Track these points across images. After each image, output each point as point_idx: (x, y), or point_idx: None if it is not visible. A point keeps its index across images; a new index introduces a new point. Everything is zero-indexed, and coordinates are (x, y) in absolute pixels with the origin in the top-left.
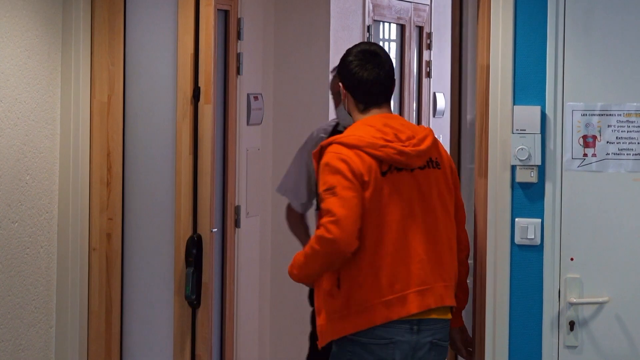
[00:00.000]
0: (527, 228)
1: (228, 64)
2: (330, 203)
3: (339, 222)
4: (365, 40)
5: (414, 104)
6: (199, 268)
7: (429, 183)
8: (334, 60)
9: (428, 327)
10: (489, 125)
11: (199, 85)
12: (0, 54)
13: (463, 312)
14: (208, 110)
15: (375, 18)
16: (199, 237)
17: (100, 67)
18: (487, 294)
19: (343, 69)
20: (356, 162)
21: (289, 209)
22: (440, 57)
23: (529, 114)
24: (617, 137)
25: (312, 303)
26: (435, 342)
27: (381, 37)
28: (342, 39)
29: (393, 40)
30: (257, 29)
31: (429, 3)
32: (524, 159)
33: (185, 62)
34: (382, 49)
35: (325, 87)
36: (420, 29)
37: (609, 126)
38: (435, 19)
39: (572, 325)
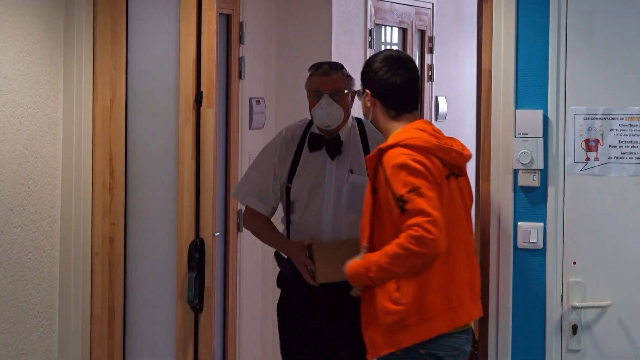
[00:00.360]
0: (530, 232)
1: (230, 68)
2: (420, 203)
3: (436, 222)
4: (367, 43)
5: None
6: (202, 272)
7: (462, 189)
8: None
9: (470, 336)
10: (491, 129)
11: (201, 89)
12: (2, 58)
13: None
14: (210, 115)
15: (377, 22)
16: (202, 242)
17: (102, 72)
18: (490, 297)
19: (370, 76)
20: (429, 164)
21: (252, 213)
22: (442, 60)
23: (532, 117)
24: (619, 141)
25: (280, 284)
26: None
27: (383, 40)
28: (344, 43)
29: (395, 44)
30: (259, 32)
31: (430, 7)
32: (526, 162)
33: (187, 66)
34: (407, 55)
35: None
36: (422, 32)
37: (611, 130)
38: (437, 22)
39: (574, 329)
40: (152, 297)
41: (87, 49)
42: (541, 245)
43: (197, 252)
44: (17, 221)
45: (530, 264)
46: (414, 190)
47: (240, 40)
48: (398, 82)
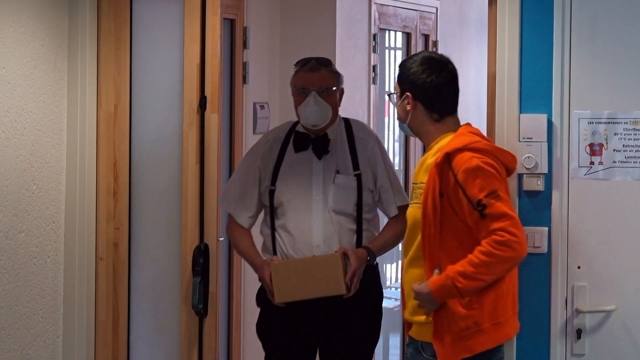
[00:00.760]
0: (534, 236)
1: (234, 73)
2: (500, 207)
3: (518, 224)
4: (371, 48)
5: None
6: (206, 277)
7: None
8: (340, 69)
9: None
10: (495, 133)
11: (205, 94)
12: (6, 64)
13: None
14: (214, 120)
15: (381, 26)
16: (206, 247)
17: (106, 77)
18: None
19: (411, 78)
20: (498, 166)
21: (232, 222)
22: None
23: (536, 122)
24: (623, 145)
25: (259, 304)
26: None
27: (387, 45)
28: (347, 48)
29: (399, 49)
30: (263, 37)
31: (434, 11)
32: (530, 167)
33: (191, 71)
34: (445, 55)
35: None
36: (426, 37)
37: (615, 134)
38: (441, 27)
39: (579, 333)
40: (157, 302)
41: (91, 54)
42: (545, 249)
43: (201, 257)
44: (22, 226)
45: (535, 268)
46: (492, 193)
47: (244, 45)
48: (442, 84)
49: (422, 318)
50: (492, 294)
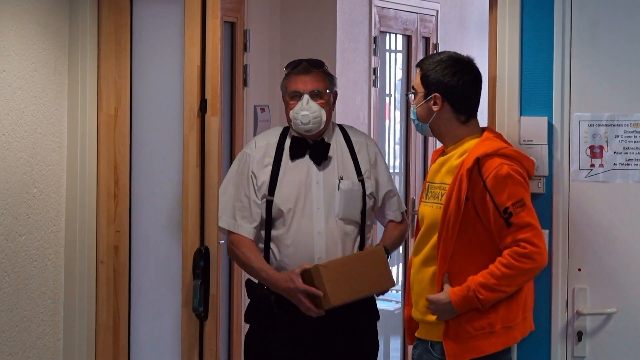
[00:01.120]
0: None
1: (234, 76)
2: (525, 217)
3: (541, 235)
4: (372, 51)
5: None
6: (207, 280)
7: None
8: (341, 72)
9: None
10: None
11: (206, 97)
12: (7, 67)
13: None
14: (215, 122)
15: (382, 29)
16: (206, 249)
17: (106, 80)
18: None
19: (440, 79)
20: (525, 174)
21: (239, 241)
22: None
23: (536, 124)
24: (624, 148)
25: (250, 319)
26: None
27: (387, 48)
28: (348, 50)
29: (399, 51)
30: (263, 40)
31: (435, 14)
32: None
33: (191, 74)
34: (468, 56)
35: None
36: (427, 39)
37: (616, 136)
38: (441, 29)
39: (580, 335)
40: (157, 304)
41: (91, 58)
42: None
43: (201, 259)
44: (22, 229)
45: None
46: (519, 202)
47: (245, 48)
48: (470, 85)
49: (434, 318)
50: (507, 298)
